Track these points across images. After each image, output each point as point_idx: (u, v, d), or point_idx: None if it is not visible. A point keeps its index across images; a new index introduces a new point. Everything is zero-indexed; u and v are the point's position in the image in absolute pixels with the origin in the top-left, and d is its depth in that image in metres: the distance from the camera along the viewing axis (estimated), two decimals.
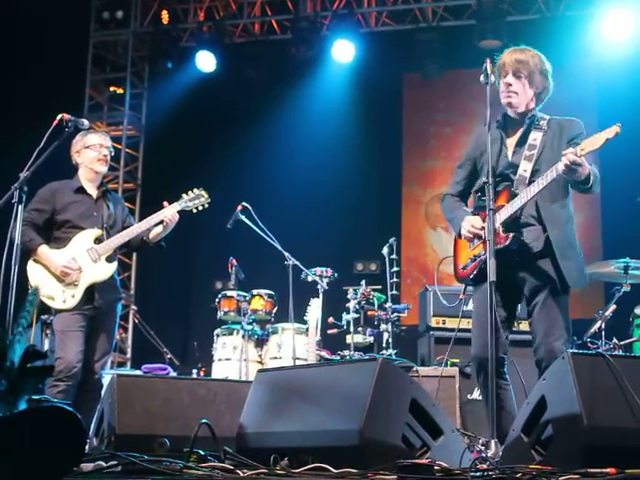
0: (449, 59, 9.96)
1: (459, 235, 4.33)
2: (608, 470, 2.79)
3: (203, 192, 5.48)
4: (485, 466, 3.17)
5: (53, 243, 5.27)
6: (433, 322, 6.83)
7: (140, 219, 5.72)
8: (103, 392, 4.80)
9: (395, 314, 7.17)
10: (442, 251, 9.90)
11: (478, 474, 2.93)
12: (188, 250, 10.65)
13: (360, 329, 7.29)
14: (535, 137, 4.22)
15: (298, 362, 6.95)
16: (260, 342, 7.66)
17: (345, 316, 7.24)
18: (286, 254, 6.96)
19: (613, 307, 6.39)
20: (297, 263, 7.00)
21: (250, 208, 6.82)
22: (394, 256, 7.34)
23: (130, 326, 10.68)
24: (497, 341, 3.86)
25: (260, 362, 7.53)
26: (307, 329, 6.69)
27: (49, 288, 5.15)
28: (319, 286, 7.13)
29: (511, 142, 4.28)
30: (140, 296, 10.77)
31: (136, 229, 5.35)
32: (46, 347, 6.74)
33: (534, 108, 4.29)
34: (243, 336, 7.43)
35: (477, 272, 4.22)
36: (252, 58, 10.58)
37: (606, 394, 3.08)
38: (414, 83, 11.00)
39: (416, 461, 3.01)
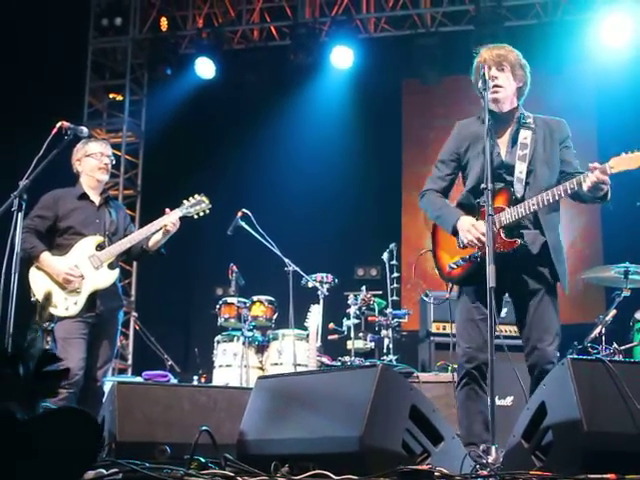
0: (448, 64, 9.96)
1: (453, 233, 4.24)
2: (608, 476, 2.80)
3: (204, 198, 5.46)
4: (486, 472, 3.17)
5: (55, 250, 5.27)
6: (433, 328, 6.85)
7: (140, 226, 5.73)
8: (104, 399, 4.80)
9: (396, 320, 7.17)
10: None
11: None
12: (188, 257, 10.65)
13: (361, 335, 7.30)
14: (525, 136, 4.20)
15: (299, 368, 6.95)
16: (261, 348, 7.66)
17: (346, 322, 7.25)
18: (286, 260, 6.96)
19: (613, 312, 6.38)
20: (297, 269, 7.01)
21: (250, 214, 6.82)
22: (394, 262, 7.35)
23: (131, 333, 10.67)
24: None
25: (261, 368, 7.53)
26: (308, 335, 6.68)
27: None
28: (319, 292, 7.14)
29: (502, 141, 4.24)
30: (141, 303, 10.76)
31: (138, 236, 5.33)
32: None
33: (518, 105, 4.28)
34: (244, 342, 7.43)
35: (468, 273, 4.18)
36: (251, 64, 10.59)
37: (606, 400, 3.08)
38: (413, 89, 11.01)
39: (417, 467, 3.01)
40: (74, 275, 5.15)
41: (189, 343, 10.35)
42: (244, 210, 6.85)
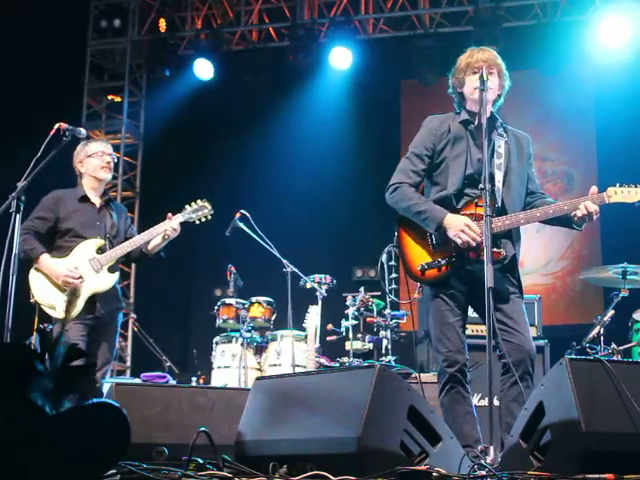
0: (446, 65, 9.90)
1: (436, 231, 4.11)
2: (606, 476, 2.80)
3: (206, 203, 5.41)
4: (484, 472, 3.17)
5: (55, 252, 5.24)
6: None
7: (139, 227, 5.71)
8: None
9: (394, 320, 7.17)
10: None
11: None
12: (187, 258, 10.65)
13: (359, 336, 7.29)
14: (500, 144, 4.16)
15: (297, 369, 6.95)
16: (259, 349, 7.67)
17: (344, 323, 7.25)
18: (284, 261, 6.96)
19: (612, 312, 6.39)
20: (296, 270, 7.00)
21: (248, 215, 6.82)
22: (392, 262, 7.35)
23: (129, 334, 10.67)
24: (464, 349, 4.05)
25: (259, 369, 7.53)
26: (306, 336, 6.68)
27: (50, 297, 5.15)
28: (318, 293, 7.14)
29: (480, 146, 4.08)
30: (139, 304, 10.76)
31: (139, 240, 5.30)
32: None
33: (492, 112, 4.21)
34: (242, 343, 7.43)
35: (444, 276, 4.12)
36: (250, 65, 10.60)
37: (604, 400, 3.08)
38: (411, 89, 11.02)
39: (415, 468, 3.01)
40: (74, 277, 5.14)
41: (187, 344, 10.36)
42: (242, 211, 6.84)
